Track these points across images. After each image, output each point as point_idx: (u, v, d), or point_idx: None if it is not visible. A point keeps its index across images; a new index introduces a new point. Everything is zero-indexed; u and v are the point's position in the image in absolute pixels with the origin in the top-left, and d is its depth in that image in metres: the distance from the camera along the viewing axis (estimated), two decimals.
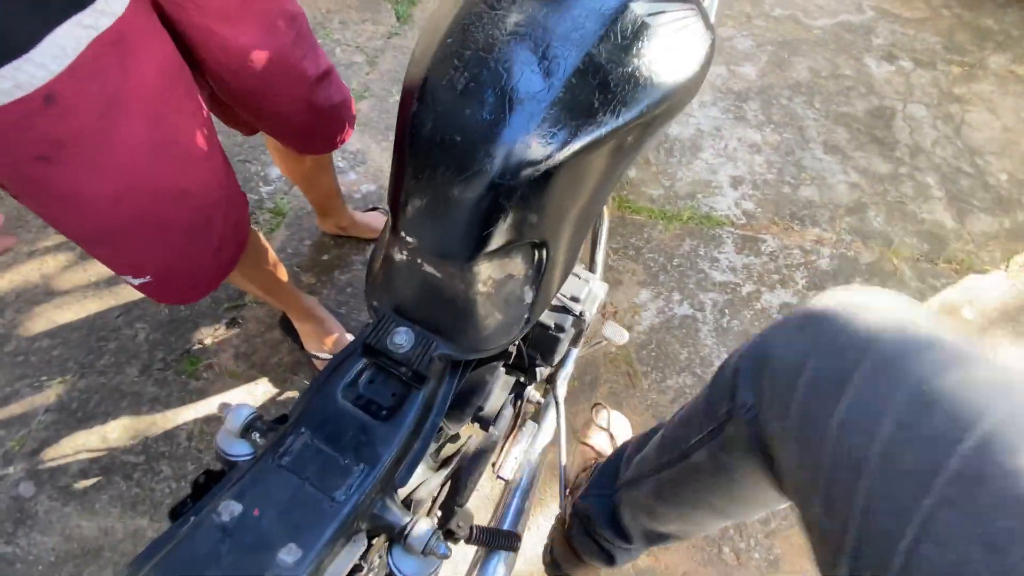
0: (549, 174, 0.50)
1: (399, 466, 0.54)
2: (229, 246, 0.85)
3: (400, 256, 0.58)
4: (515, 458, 0.94)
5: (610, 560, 0.85)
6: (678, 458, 0.66)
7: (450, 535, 0.68)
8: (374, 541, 0.54)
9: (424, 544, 0.49)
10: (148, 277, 0.78)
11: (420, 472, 0.69)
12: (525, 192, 0.50)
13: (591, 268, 1.14)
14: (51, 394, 1.27)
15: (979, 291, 1.55)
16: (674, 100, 0.55)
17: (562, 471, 0.95)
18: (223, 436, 0.54)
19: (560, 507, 0.95)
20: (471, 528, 0.69)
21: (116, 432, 1.25)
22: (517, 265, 0.57)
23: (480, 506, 1.22)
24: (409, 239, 0.55)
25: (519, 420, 0.95)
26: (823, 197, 1.71)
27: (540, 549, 1.15)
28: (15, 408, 1.25)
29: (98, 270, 1.43)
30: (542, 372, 0.86)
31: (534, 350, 0.82)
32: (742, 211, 1.67)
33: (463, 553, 1.11)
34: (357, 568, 0.51)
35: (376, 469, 0.50)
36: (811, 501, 0.43)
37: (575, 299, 0.84)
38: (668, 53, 0.54)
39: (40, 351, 1.32)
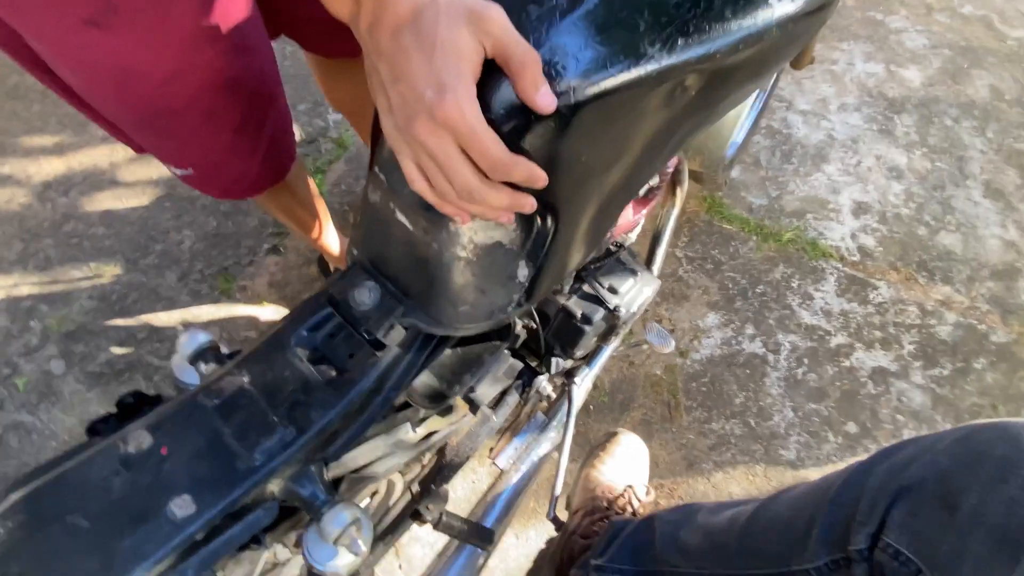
0: (564, 116, 0.36)
1: (335, 439, 0.46)
2: (278, 156, 0.79)
3: (374, 198, 0.47)
4: (515, 448, 0.83)
5: None
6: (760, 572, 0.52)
7: (417, 516, 0.61)
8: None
9: (336, 534, 0.41)
10: (190, 170, 0.73)
11: (379, 446, 0.57)
12: (526, 133, 0.36)
13: (648, 262, 0.94)
14: (96, 282, 1.23)
15: None
16: (763, 48, 0.40)
17: (555, 487, 0.79)
18: (175, 360, 0.49)
19: (552, 529, 0.81)
20: (441, 513, 0.61)
21: (145, 332, 1.20)
22: (508, 232, 0.44)
23: (471, 498, 1.07)
24: (381, 177, 0.45)
25: (527, 410, 0.83)
26: (967, 251, 1.33)
27: (524, 561, 1.00)
28: (60, 287, 1.22)
29: (162, 171, 1.35)
30: (559, 364, 0.72)
31: (554, 338, 0.70)
32: (858, 246, 1.33)
33: (438, 538, 0.99)
34: (256, 540, 0.44)
35: (305, 436, 0.43)
36: None
37: (613, 290, 0.70)
38: None
39: (94, 237, 1.28)
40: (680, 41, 0.37)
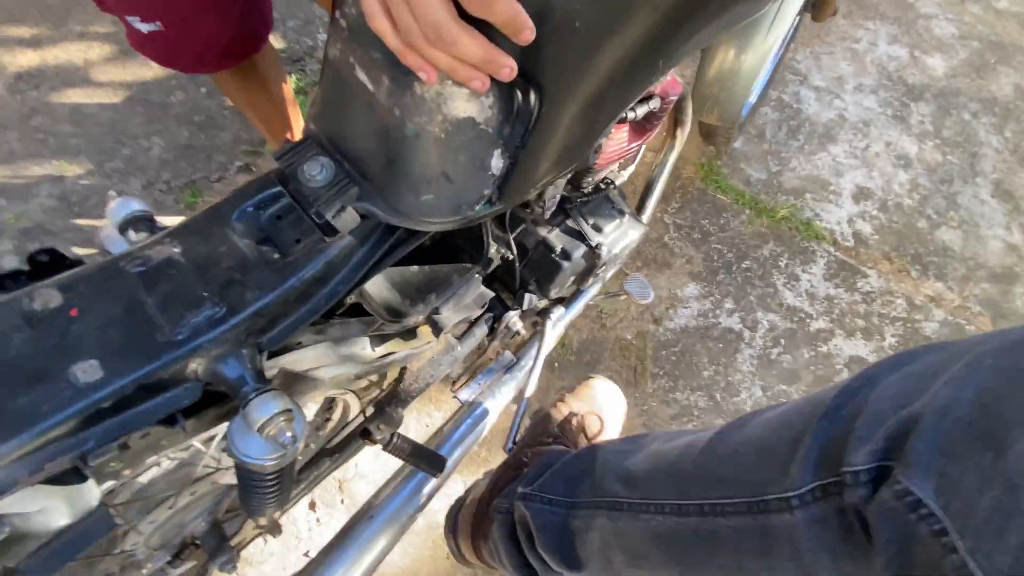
0: None
1: (272, 326, 0.42)
2: (253, 20, 0.73)
3: (333, 53, 0.41)
4: (479, 384, 0.80)
5: None
6: (729, 507, 0.40)
7: (367, 435, 0.58)
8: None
9: (261, 422, 0.37)
10: (158, 24, 0.65)
11: (329, 352, 0.52)
12: None
13: (638, 209, 0.91)
14: (57, 181, 1.17)
15: None
16: None
17: (514, 422, 0.75)
18: (104, 228, 0.44)
19: (505, 454, 0.75)
20: (392, 435, 0.57)
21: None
22: (484, 106, 0.38)
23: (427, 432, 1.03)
24: (342, 23, 0.39)
25: (495, 346, 0.79)
26: (965, 248, 1.26)
27: None
28: (21, 182, 1.16)
29: (137, 73, 1.28)
30: (533, 301, 0.68)
31: (529, 272, 0.66)
32: (853, 231, 1.26)
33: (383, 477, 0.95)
34: (172, 420, 0.40)
35: (237, 317, 0.40)
36: None
37: (598, 228, 0.66)
38: None
39: (60, 135, 1.21)
40: None
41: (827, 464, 0.34)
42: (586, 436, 0.79)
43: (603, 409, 0.86)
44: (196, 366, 0.39)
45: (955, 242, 1.27)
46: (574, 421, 0.80)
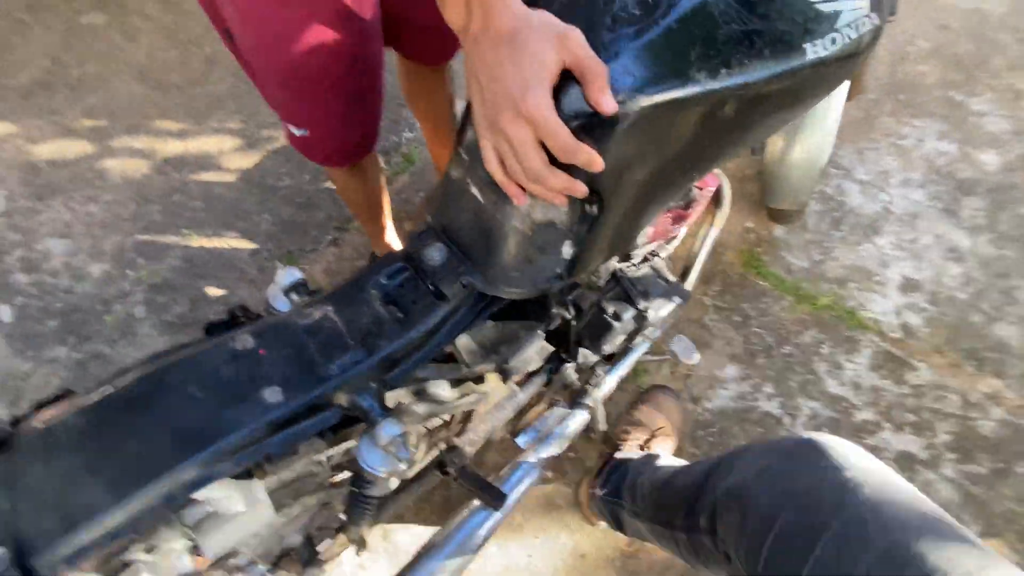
0: (620, 120, 0.43)
1: (396, 366, 0.54)
2: (370, 131, 0.92)
3: (455, 173, 0.55)
4: (536, 430, 0.88)
5: (617, 524, 0.93)
6: (667, 524, 0.71)
7: (440, 466, 0.68)
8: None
9: (387, 440, 0.48)
10: (306, 131, 0.84)
11: (423, 389, 0.65)
12: (590, 129, 0.43)
13: (682, 277, 1.00)
14: (186, 246, 1.39)
15: None
16: (795, 83, 0.46)
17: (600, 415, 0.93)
18: (271, 289, 0.58)
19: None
20: (463, 467, 0.67)
21: (216, 294, 1.33)
22: (562, 213, 0.51)
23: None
24: (465, 157, 0.53)
25: (551, 394, 0.89)
26: None
27: (549, 554, 1.00)
28: (156, 246, 1.39)
29: (256, 161, 1.52)
30: (586, 356, 0.78)
31: (585, 330, 0.74)
32: (901, 323, 1.25)
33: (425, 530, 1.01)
34: (322, 435, 0.52)
35: (372, 358, 0.51)
36: None
37: (645, 294, 0.74)
38: (802, 24, 0.44)
39: (192, 209, 1.45)
40: (723, 71, 0.43)
41: (693, 518, 0.65)
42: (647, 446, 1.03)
43: (662, 420, 1.06)
44: (341, 396, 0.50)
45: (1013, 338, 1.22)
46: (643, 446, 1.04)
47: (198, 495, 0.45)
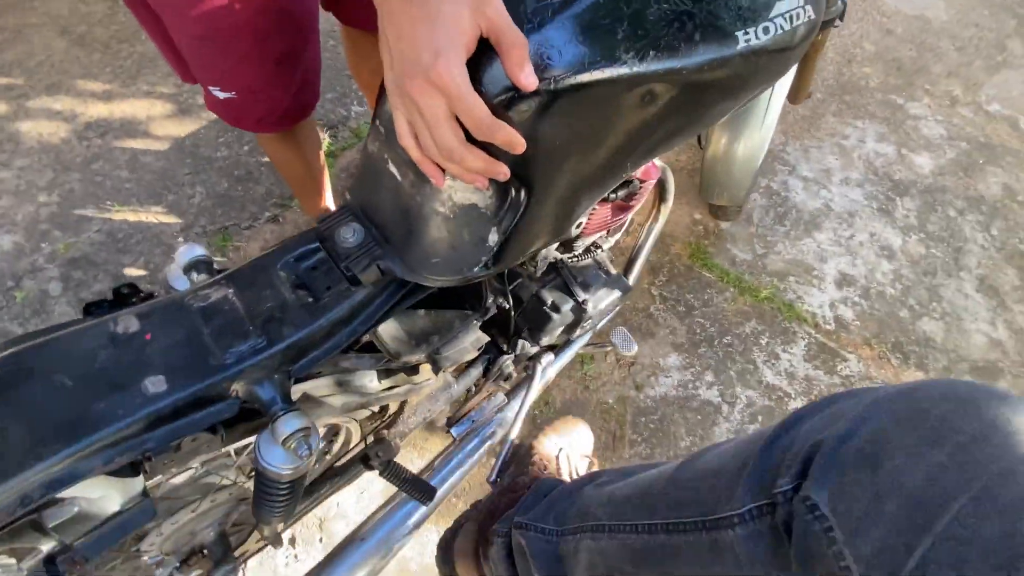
0: (543, 98, 0.40)
1: (302, 356, 0.49)
2: (306, 94, 0.84)
3: (372, 147, 0.51)
4: (471, 420, 0.85)
5: None
6: (689, 525, 0.48)
7: (365, 460, 0.64)
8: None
9: (285, 436, 0.44)
10: (234, 93, 0.78)
11: (342, 381, 0.60)
12: (509, 107, 0.40)
13: (625, 272, 0.97)
14: (108, 219, 1.29)
15: None
16: (727, 72, 0.44)
17: (500, 455, 0.81)
18: (169, 268, 0.53)
19: (489, 485, 0.81)
20: (388, 462, 0.63)
21: (140, 272, 1.24)
22: (484, 197, 0.47)
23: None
24: (380, 129, 0.49)
25: (488, 388, 0.85)
26: (948, 340, 1.27)
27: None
28: (76, 217, 1.28)
29: (190, 129, 1.42)
30: (525, 346, 0.74)
31: (523, 321, 0.72)
32: (835, 316, 1.29)
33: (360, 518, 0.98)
34: (213, 429, 0.48)
35: (275, 347, 0.47)
36: None
37: (585, 286, 0.72)
38: (734, 10, 0.42)
39: (116, 179, 1.34)
40: (652, 53, 0.40)
41: (763, 488, 0.41)
42: (573, 467, 0.84)
43: (579, 442, 0.92)
44: (238, 386, 0.46)
45: (937, 333, 1.28)
46: (553, 456, 0.86)
47: (65, 494, 0.40)
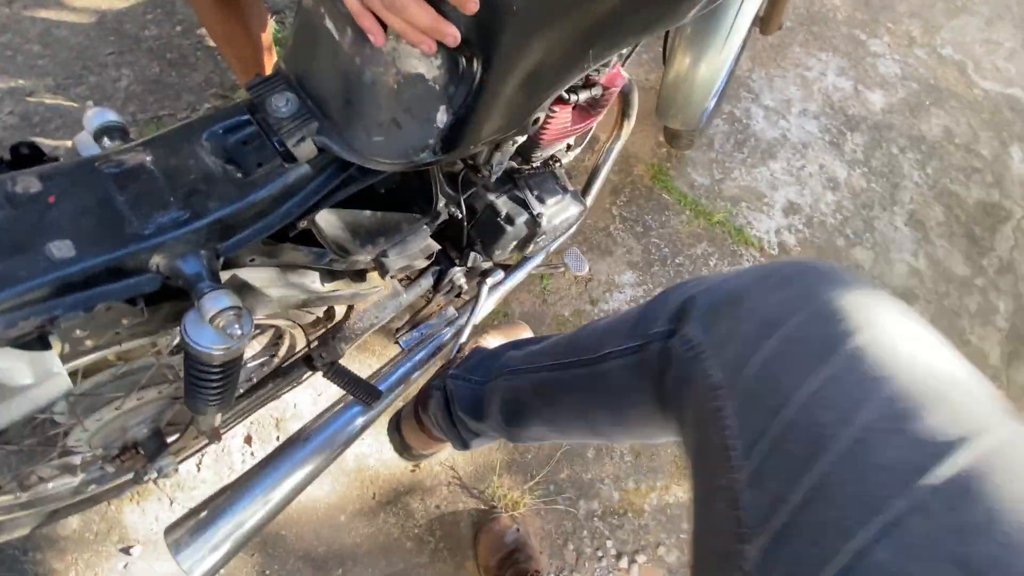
0: None
1: (230, 235, 0.45)
2: None
3: (307, 2, 0.45)
4: (419, 332, 0.84)
5: (461, 443, 0.79)
6: (580, 362, 0.58)
7: (308, 361, 0.62)
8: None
9: (212, 314, 0.40)
10: None
11: (282, 275, 0.56)
12: None
13: (584, 191, 0.96)
14: (21, 99, 1.14)
15: None
16: None
17: (449, 361, 0.82)
18: (80, 135, 0.46)
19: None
20: (332, 363, 0.61)
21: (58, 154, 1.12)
22: (432, 65, 0.43)
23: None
24: None
25: (439, 301, 0.84)
26: (875, 268, 1.37)
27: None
28: None
29: (111, 1, 1.24)
30: (477, 259, 0.72)
31: (476, 232, 0.69)
32: (779, 241, 1.35)
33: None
34: (132, 301, 0.43)
35: (199, 222, 0.43)
36: (735, 465, 0.35)
37: (541, 200, 0.69)
38: None
39: (29, 54, 1.17)
40: None
41: (641, 334, 0.51)
42: None
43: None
44: (159, 259, 0.42)
45: (866, 261, 1.37)
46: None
47: None
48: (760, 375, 0.36)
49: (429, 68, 0.43)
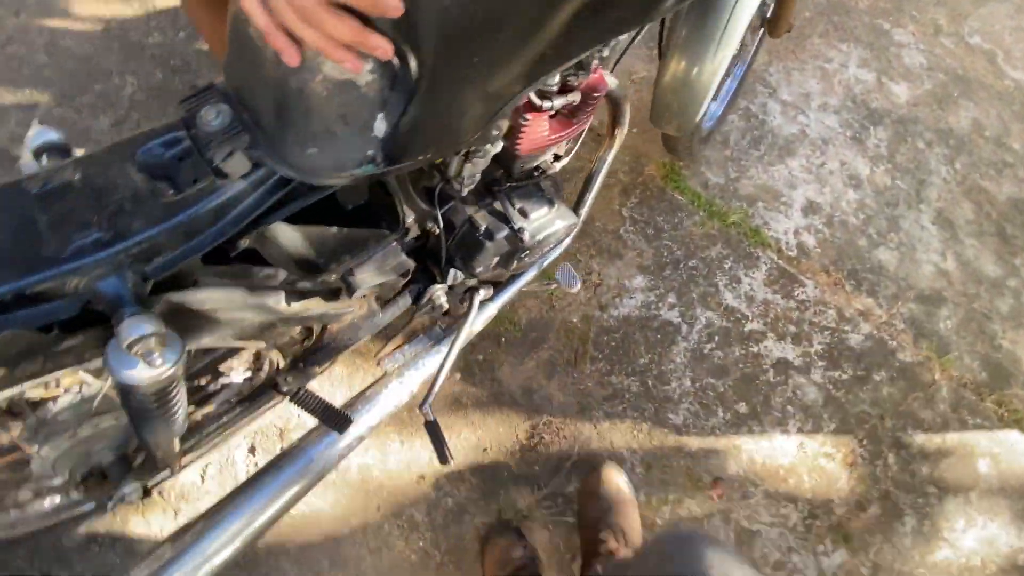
0: None
1: (157, 255, 0.43)
2: None
3: (234, 6, 0.42)
4: (403, 354, 0.80)
5: None
6: None
7: (275, 385, 0.61)
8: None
9: (129, 341, 0.38)
10: None
11: (236, 297, 0.52)
12: None
13: (575, 207, 0.90)
14: (27, 110, 1.14)
15: (1011, 449, 1.16)
16: None
17: (432, 385, 0.75)
18: (23, 155, 0.46)
19: (420, 413, 0.77)
20: (300, 389, 0.59)
21: None
22: (365, 71, 0.40)
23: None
24: None
25: (421, 319, 0.80)
26: (899, 270, 1.30)
27: (405, 467, 0.99)
28: None
29: (116, 10, 1.23)
30: (457, 277, 0.69)
31: (456, 248, 0.66)
32: (798, 242, 1.29)
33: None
34: (48, 328, 0.41)
35: (121, 244, 0.41)
36: None
37: (524, 214, 0.65)
38: None
39: (34, 65, 1.17)
40: None
41: None
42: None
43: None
44: (77, 283, 0.40)
45: (891, 262, 1.30)
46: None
47: None
48: None
49: (360, 73, 0.39)
